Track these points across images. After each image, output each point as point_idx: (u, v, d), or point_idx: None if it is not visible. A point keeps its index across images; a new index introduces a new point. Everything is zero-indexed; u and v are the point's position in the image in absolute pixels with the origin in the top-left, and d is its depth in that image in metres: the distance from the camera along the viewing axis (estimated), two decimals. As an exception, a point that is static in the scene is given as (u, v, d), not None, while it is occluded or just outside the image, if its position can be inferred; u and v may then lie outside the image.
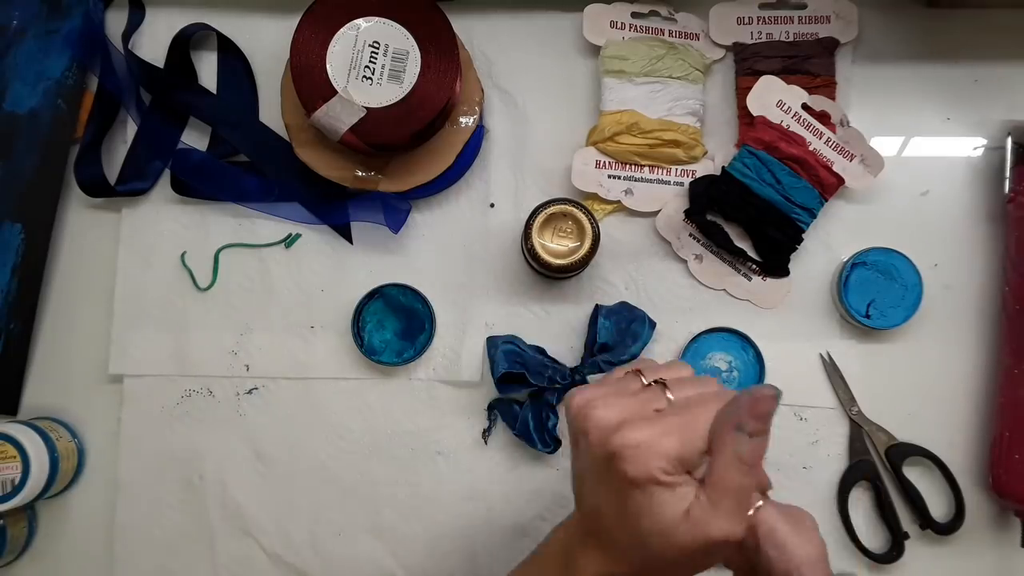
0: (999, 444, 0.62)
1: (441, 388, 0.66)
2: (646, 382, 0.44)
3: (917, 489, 0.64)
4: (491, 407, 0.66)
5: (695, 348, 0.66)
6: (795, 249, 0.65)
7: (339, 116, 0.60)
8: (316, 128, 0.62)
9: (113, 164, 0.68)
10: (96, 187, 0.67)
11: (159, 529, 0.66)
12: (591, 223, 0.60)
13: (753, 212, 0.65)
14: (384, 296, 0.66)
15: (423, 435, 0.66)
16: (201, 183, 0.67)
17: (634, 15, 0.67)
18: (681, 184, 0.66)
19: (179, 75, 0.68)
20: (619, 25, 0.67)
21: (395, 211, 0.66)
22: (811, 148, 0.65)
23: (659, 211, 0.66)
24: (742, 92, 0.66)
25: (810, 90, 0.65)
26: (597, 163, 0.66)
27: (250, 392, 0.67)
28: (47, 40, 0.68)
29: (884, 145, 0.66)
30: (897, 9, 0.69)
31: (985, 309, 0.66)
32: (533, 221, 0.61)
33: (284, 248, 0.68)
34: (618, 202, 0.66)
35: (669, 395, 0.43)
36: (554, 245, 0.61)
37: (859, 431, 0.65)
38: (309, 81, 0.60)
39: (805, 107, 0.65)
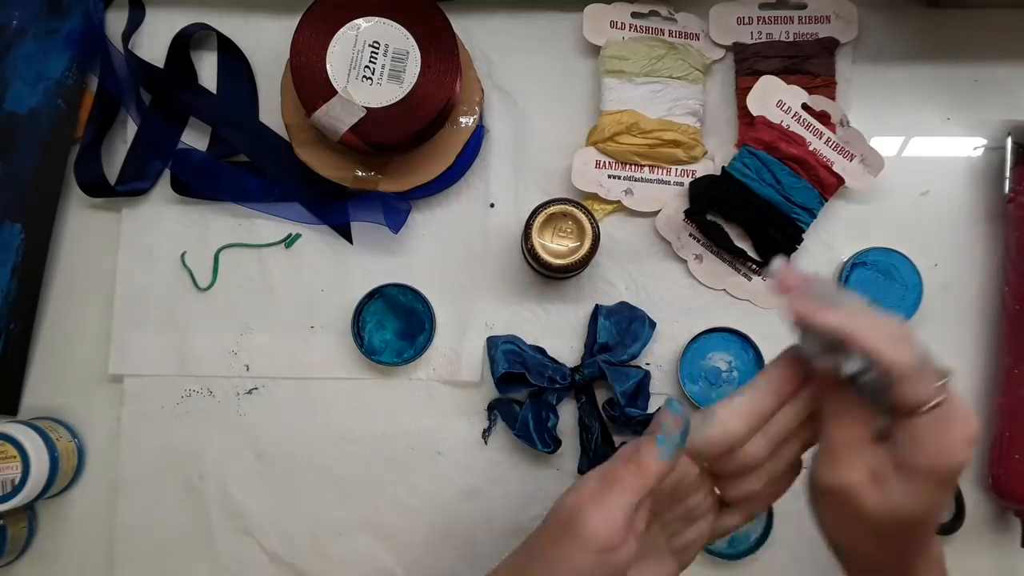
0: (999, 444, 0.62)
1: (441, 388, 0.66)
2: None
3: (917, 489, 0.64)
4: (491, 407, 0.66)
5: (695, 348, 0.66)
6: (795, 249, 0.65)
7: (339, 116, 0.60)
8: (316, 128, 0.62)
9: (113, 164, 0.68)
10: (96, 187, 0.67)
11: (159, 529, 0.66)
12: (591, 223, 0.61)
13: (753, 212, 0.65)
14: (384, 296, 0.66)
15: (423, 435, 0.66)
16: (201, 183, 0.67)
17: (634, 15, 0.67)
18: (681, 184, 0.66)
19: (179, 75, 0.68)
20: (619, 25, 0.67)
21: (395, 211, 0.66)
22: (811, 148, 0.65)
23: (659, 211, 0.66)
24: (742, 92, 0.66)
25: (810, 90, 0.65)
26: (597, 163, 0.66)
27: (250, 392, 0.67)
28: (47, 40, 0.68)
29: (884, 145, 0.66)
30: (897, 9, 0.69)
31: (985, 309, 0.66)
32: (533, 221, 0.61)
33: (284, 248, 0.68)
34: (618, 202, 0.66)
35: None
36: (554, 245, 0.61)
37: (859, 431, 0.65)
38: (309, 81, 0.60)
39: (805, 107, 0.65)
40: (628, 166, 0.66)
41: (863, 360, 0.40)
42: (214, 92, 0.69)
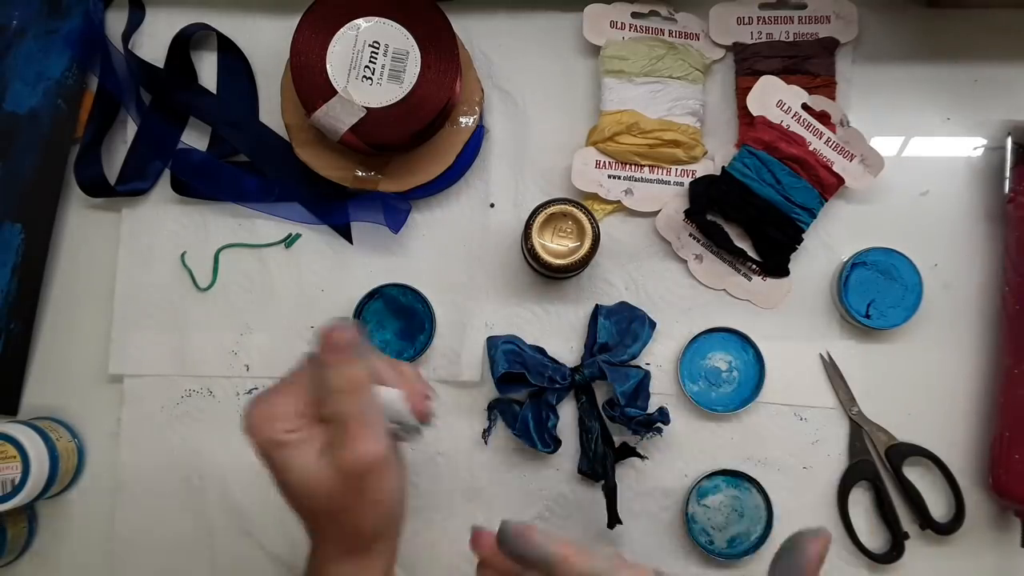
0: (999, 444, 0.62)
1: (441, 388, 0.66)
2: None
3: (917, 489, 0.64)
4: (491, 407, 0.66)
5: (695, 348, 0.66)
6: (795, 249, 0.65)
7: (339, 116, 0.60)
8: (316, 128, 0.62)
9: (113, 164, 0.68)
10: (96, 187, 0.67)
11: (159, 529, 0.66)
12: (591, 223, 0.60)
13: (753, 212, 0.65)
14: (384, 296, 0.66)
15: (423, 435, 0.66)
16: (201, 183, 0.67)
17: (634, 15, 0.67)
18: (681, 184, 0.66)
19: (179, 75, 0.68)
20: (619, 25, 0.67)
21: (395, 211, 0.66)
22: (811, 148, 0.65)
23: (659, 211, 0.66)
24: (742, 92, 0.66)
25: (810, 90, 0.65)
26: (597, 163, 0.66)
27: (250, 392, 0.67)
28: (47, 40, 0.68)
29: (884, 145, 0.66)
30: (897, 9, 0.69)
31: (985, 309, 0.66)
32: (533, 221, 0.61)
33: (284, 248, 0.68)
34: (618, 202, 0.66)
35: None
36: (554, 245, 0.61)
37: (859, 431, 0.65)
38: (309, 81, 0.60)
39: (805, 107, 0.65)
40: (628, 166, 0.66)
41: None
42: (214, 92, 0.69)
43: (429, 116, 0.61)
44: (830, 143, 0.65)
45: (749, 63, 0.67)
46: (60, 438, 0.64)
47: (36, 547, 0.66)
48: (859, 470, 0.64)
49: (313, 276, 0.67)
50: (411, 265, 0.67)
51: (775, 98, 0.65)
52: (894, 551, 0.63)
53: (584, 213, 0.61)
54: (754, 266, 0.66)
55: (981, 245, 0.67)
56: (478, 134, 0.66)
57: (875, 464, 0.64)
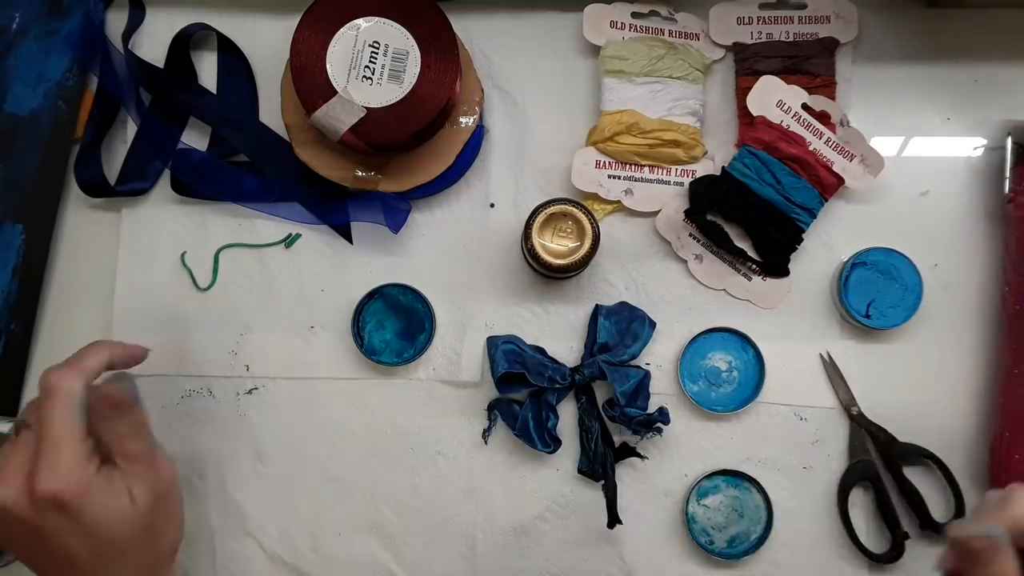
0: (999, 444, 0.62)
1: (441, 388, 0.66)
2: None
3: (917, 489, 0.64)
4: (491, 407, 0.66)
5: (695, 348, 0.66)
6: (795, 249, 0.65)
7: (339, 116, 0.60)
8: (316, 128, 0.62)
9: (113, 164, 0.68)
10: (96, 187, 0.67)
11: (159, 529, 0.66)
12: (591, 223, 0.61)
13: (753, 212, 0.65)
14: (384, 296, 0.66)
15: (423, 435, 0.66)
16: (201, 183, 0.67)
17: (634, 15, 0.67)
18: (681, 184, 0.66)
19: (179, 75, 0.68)
20: (619, 25, 0.67)
21: (395, 211, 0.66)
22: (811, 148, 0.65)
23: (659, 211, 0.66)
24: (742, 92, 0.66)
25: (810, 90, 0.65)
26: (597, 163, 0.66)
27: (250, 392, 0.67)
28: (47, 41, 0.68)
29: (884, 145, 0.66)
30: (897, 9, 0.69)
31: (985, 309, 0.66)
32: (533, 221, 0.61)
33: (284, 248, 0.68)
34: (618, 202, 0.66)
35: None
36: (554, 245, 0.61)
37: (859, 431, 0.65)
38: (309, 81, 0.60)
39: (805, 107, 0.65)
40: (628, 166, 0.66)
41: None
42: (214, 92, 0.69)
43: (429, 116, 0.61)
44: (830, 143, 0.65)
45: (749, 63, 0.67)
46: (60, 438, 0.64)
47: (36, 547, 0.66)
48: (859, 470, 0.64)
49: (313, 276, 0.67)
50: (411, 265, 0.67)
51: (775, 98, 0.65)
52: (894, 551, 0.63)
53: (584, 213, 0.61)
54: (754, 266, 0.66)
55: (981, 245, 0.67)
56: (478, 134, 0.66)
57: (875, 464, 0.64)
